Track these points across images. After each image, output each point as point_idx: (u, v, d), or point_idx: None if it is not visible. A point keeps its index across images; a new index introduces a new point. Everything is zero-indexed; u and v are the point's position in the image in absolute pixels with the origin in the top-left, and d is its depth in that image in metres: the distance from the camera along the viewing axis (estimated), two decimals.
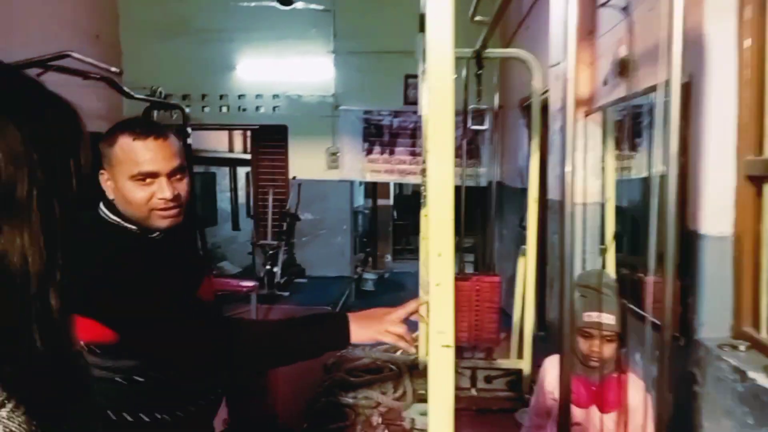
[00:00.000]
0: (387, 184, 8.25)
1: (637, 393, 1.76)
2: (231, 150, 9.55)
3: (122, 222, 1.31)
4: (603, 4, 2.77)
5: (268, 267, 6.19)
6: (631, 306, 2.63)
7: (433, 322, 1.22)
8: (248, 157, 8.29)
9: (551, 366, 1.91)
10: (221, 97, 7.14)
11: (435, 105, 1.09)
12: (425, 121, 3.82)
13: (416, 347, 1.34)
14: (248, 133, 8.18)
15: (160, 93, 6.54)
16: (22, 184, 0.50)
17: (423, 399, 3.46)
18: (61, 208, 0.54)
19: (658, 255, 2.83)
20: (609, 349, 1.74)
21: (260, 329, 1.30)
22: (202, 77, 7.08)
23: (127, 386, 1.23)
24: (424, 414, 3.08)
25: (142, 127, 1.29)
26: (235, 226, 9.53)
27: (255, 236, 7.06)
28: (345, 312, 1.30)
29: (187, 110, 6.59)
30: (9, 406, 0.49)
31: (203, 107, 7.13)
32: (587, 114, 3.11)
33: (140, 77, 6.72)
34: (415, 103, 6.68)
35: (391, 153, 6.87)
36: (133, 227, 1.31)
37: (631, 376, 1.82)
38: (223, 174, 9.44)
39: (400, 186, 10.03)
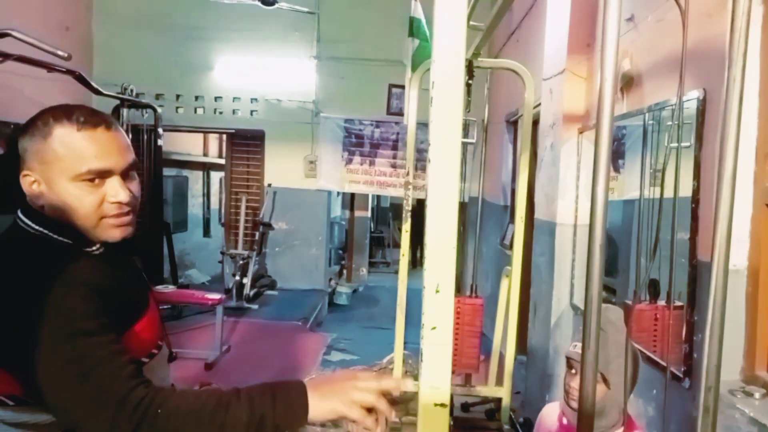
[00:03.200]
0: (365, 196, 8.05)
1: None
2: (205, 154, 9.25)
3: (50, 233, 1.02)
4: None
5: (237, 277, 5.90)
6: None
7: (425, 374, 1.00)
8: (222, 161, 8.00)
9: (548, 413, 1.71)
10: (197, 98, 6.87)
11: (441, 127, 0.90)
12: (410, 132, 3.58)
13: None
14: (224, 136, 7.90)
15: (132, 90, 6.22)
16: None
17: (396, 428, 3.23)
18: None
19: (651, 282, 2.67)
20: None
21: (189, 406, 0.93)
22: (178, 76, 6.80)
23: None
24: None
25: (86, 115, 1.02)
26: (206, 233, 9.20)
27: (226, 244, 6.76)
28: (301, 380, 0.99)
29: (159, 110, 6.31)
30: None
31: (177, 108, 6.84)
32: (581, 131, 2.95)
33: (111, 73, 6.40)
34: (398, 113, 6.50)
35: (372, 164, 6.67)
36: (66, 240, 1.03)
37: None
38: (195, 178, 9.11)
39: (377, 198, 9.83)
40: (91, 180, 1.01)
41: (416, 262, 7.56)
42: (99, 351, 0.91)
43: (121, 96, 6.08)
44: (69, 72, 5.11)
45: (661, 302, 2.27)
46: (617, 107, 2.56)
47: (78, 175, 1.00)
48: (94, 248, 1.06)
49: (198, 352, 4.43)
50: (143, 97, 6.47)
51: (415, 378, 3.02)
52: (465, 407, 3.47)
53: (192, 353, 4.44)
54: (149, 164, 6.35)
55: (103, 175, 1.02)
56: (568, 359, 1.52)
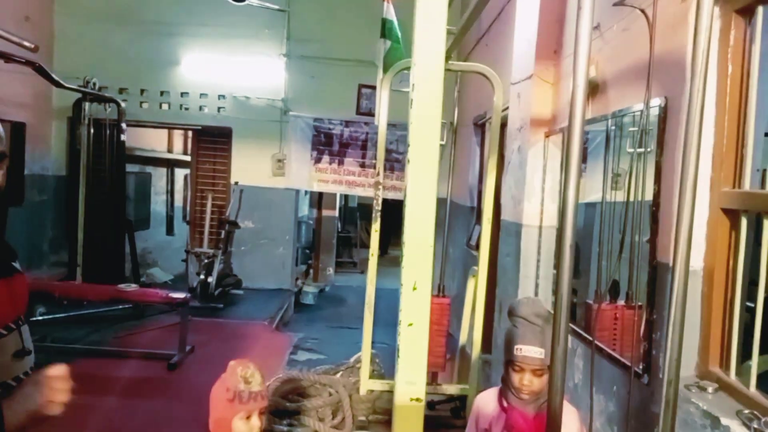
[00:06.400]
0: (333, 195, 8.04)
1: (571, 422, 1.63)
2: (170, 150, 9.06)
3: None
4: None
5: (202, 276, 5.80)
6: (581, 333, 2.55)
7: (402, 370, 1.02)
8: (188, 158, 7.86)
9: (484, 400, 1.77)
10: (162, 93, 6.73)
11: (421, 127, 0.92)
12: (381, 132, 3.59)
13: None
14: (189, 133, 7.77)
15: (94, 84, 6.06)
16: None
17: (362, 426, 3.24)
18: None
19: (612, 283, 2.76)
20: (539, 383, 1.62)
21: None
22: (143, 71, 6.65)
23: None
24: None
25: None
26: (170, 231, 9.01)
27: (190, 243, 6.65)
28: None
29: (123, 105, 6.16)
30: None
31: (141, 103, 6.69)
32: (547, 135, 3.03)
33: (73, 66, 6.22)
34: (368, 113, 6.52)
35: (340, 163, 6.67)
36: None
37: (565, 404, 1.70)
38: (159, 175, 8.92)
39: (345, 197, 9.82)
40: None
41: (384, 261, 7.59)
42: None
43: (82, 89, 5.92)
44: (28, 63, 4.94)
45: (621, 302, 2.35)
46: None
47: None
48: None
49: (161, 352, 4.34)
50: (106, 91, 6.31)
51: (382, 377, 3.06)
52: (431, 405, 3.51)
53: (155, 353, 4.35)
54: (111, 160, 6.19)
55: None
56: (514, 362, 1.59)
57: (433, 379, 3.68)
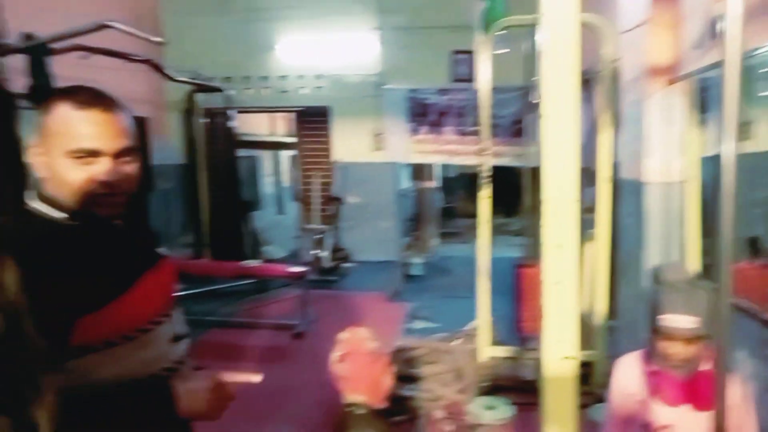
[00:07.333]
0: (432, 166, 8.02)
1: (735, 387, 1.52)
2: (273, 133, 9.46)
3: (43, 207, 1.08)
4: None
5: (315, 252, 6.07)
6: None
7: (549, 328, 1.01)
8: (290, 140, 8.17)
9: (627, 365, 1.69)
10: (263, 78, 7.01)
11: (554, 78, 0.88)
12: (482, 96, 3.51)
13: None
14: (290, 115, 8.06)
15: (202, 75, 6.45)
16: None
17: (486, 392, 3.27)
18: None
19: (750, 241, 2.54)
20: (692, 350, 1.52)
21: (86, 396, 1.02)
22: (244, 58, 6.96)
23: None
24: (491, 408, 2.89)
25: (88, 95, 1.08)
26: (280, 211, 9.47)
27: (301, 220, 6.96)
28: (170, 385, 1.12)
29: (229, 93, 6.50)
30: None
31: (245, 89, 7.02)
32: (670, 83, 2.81)
33: (182, 59, 6.63)
34: (464, 80, 6.39)
35: (439, 133, 6.61)
36: (59, 215, 1.08)
37: None
38: (266, 158, 9.36)
39: (446, 168, 9.75)
40: (82, 157, 1.06)
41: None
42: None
43: (192, 81, 6.31)
44: (145, 61, 5.34)
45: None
46: (708, 56, 2.42)
47: (70, 152, 1.05)
48: (79, 222, 1.09)
49: (285, 322, 4.65)
50: (213, 81, 6.68)
51: (500, 344, 3.04)
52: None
53: (280, 324, 4.66)
54: (223, 146, 6.58)
55: (93, 154, 1.06)
56: (662, 331, 1.51)
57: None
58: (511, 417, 2.79)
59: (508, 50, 4.54)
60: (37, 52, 3.64)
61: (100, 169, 1.07)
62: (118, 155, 1.10)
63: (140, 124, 6.54)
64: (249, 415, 3.21)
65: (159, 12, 6.93)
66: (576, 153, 0.93)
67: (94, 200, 1.08)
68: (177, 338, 1.23)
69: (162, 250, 1.30)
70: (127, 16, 6.28)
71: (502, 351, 3.37)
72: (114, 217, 1.14)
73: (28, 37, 3.62)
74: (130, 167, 1.13)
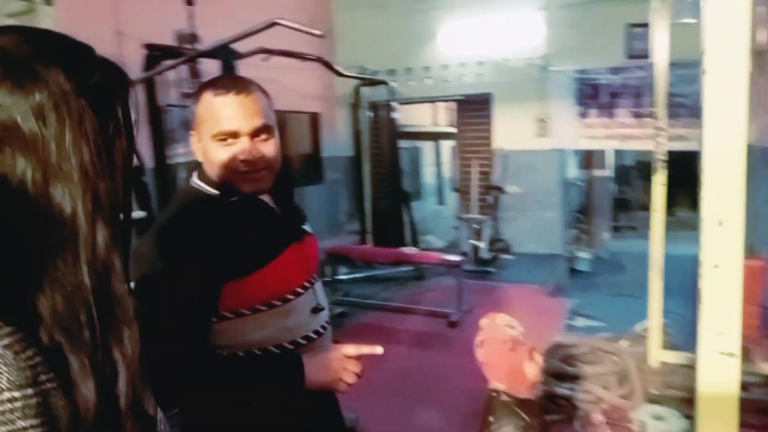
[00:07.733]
0: (603, 153, 7.41)
1: None
2: (435, 124, 9.55)
3: (202, 186, 1.22)
4: None
5: (473, 242, 6.00)
6: None
7: (707, 318, 0.86)
8: (451, 130, 8.16)
9: None
10: (425, 69, 7.08)
11: (720, 41, 0.73)
12: (658, 72, 3.15)
13: None
14: (449, 105, 8.05)
15: (368, 69, 6.72)
16: (70, 130, 0.51)
17: (655, 400, 2.92)
18: (108, 153, 0.55)
19: None
20: None
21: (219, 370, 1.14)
22: (406, 50, 7.09)
23: None
24: (659, 419, 2.57)
25: (225, 82, 1.19)
26: (440, 201, 9.55)
27: (460, 210, 6.93)
28: (298, 355, 1.16)
29: (393, 85, 6.69)
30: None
31: (408, 81, 7.15)
32: None
33: (350, 55, 6.98)
34: (641, 56, 5.78)
35: (611, 116, 6.08)
36: (214, 192, 1.21)
37: None
38: (427, 148, 9.50)
39: (620, 155, 8.96)
40: (224, 139, 1.16)
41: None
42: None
43: (359, 76, 6.62)
44: (317, 59, 5.71)
45: None
46: None
47: (214, 135, 1.16)
48: (234, 198, 1.20)
49: (441, 310, 4.67)
50: (378, 75, 6.93)
51: (674, 349, 2.65)
52: (744, 386, 2.98)
53: (435, 311, 4.69)
54: (387, 138, 6.80)
55: (233, 135, 1.16)
56: None
57: (744, 356, 3.11)
58: (683, 430, 2.45)
59: (694, 20, 3.99)
60: (228, 56, 4.09)
61: (239, 148, 1.17)
62: (254, 134, 1.18)
63: (313, 119, 7.08)
64: (404, 397, 3.30)
65: (331, 12, 7.36)
66: (741, 113, 0.77)
67: (238, 177, 1.18)
68: (316, 310, 1.28)
69: (307, 227, 1.37)
70: (302, 17, 6.79)
71: (676, 357, 2.98)
72: (259, 192, 1.23)
73: (222, 45, 4.07)
74: (268, 144, 1.21)
